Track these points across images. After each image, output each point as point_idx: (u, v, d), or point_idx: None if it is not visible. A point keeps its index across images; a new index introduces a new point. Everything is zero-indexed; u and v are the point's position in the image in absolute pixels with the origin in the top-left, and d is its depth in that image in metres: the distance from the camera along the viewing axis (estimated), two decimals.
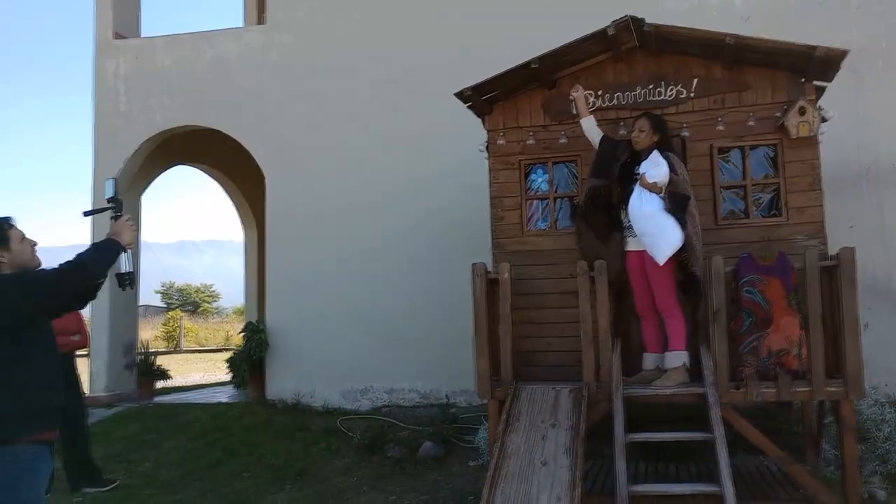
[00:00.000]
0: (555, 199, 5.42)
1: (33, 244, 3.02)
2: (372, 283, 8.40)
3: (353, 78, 8.76)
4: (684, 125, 5.18)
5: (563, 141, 5.37)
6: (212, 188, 12.39)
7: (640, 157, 4.81)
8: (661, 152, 4.70)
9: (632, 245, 4.82)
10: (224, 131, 9.18)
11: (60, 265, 2.87)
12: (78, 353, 6.50)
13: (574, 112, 5.20)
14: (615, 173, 4.90)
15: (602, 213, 4.91)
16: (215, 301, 46.43)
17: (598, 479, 4.91)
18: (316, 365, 8.45)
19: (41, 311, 2.89)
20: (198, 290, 47.12)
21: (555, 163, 5.44)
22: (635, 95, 5.32)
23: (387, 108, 8.59)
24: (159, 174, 10.40)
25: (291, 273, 8.73)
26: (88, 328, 6.87)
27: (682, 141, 5.14)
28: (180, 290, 46.46)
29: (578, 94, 5.07)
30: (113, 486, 6.08)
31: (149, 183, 10.15)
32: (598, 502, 4.26)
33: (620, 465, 3.99)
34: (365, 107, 8.68)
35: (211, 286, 48.83)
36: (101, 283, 3.05)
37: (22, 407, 2.77)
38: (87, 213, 3.62)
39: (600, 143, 5.02)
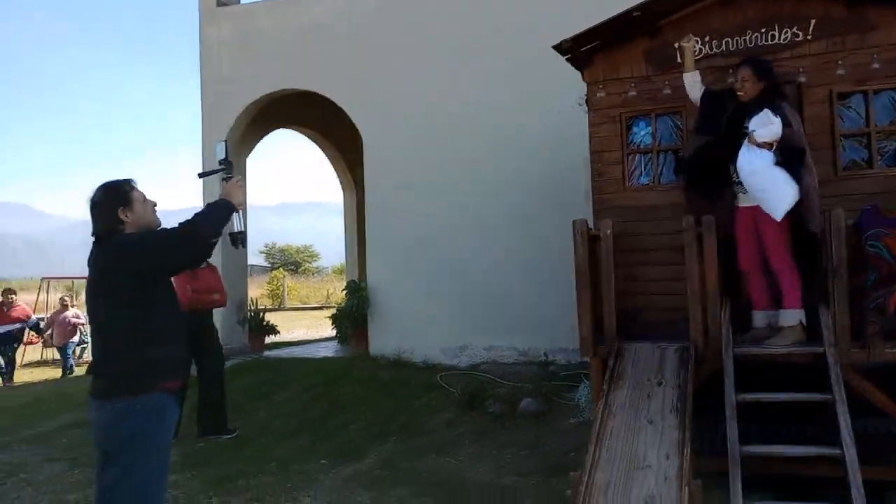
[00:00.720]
0: (658, 152, 5.24)
1: (153, 205, 3.18)
2: (469, 241, 8.44)
3: (447, 34, 8.70)
4: (800, 70, 4.86)
5: (666, 92, 5.15)
6: (311, 150, 12.72)
7: (748, 107, 4.53)
8: (775, 104, 4.41)
9: (743, 201, 4.59)
10: (322, 93, 9.36)
11: (179, 224, 3.01)
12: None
13: (678, 61, 4.97)
14: (722, 127, 4.66)
15: (709, 171, 4.70)
16: (315, 261, 48.09)
17: (705, 439, 4.80)
18: (416, 322, 8.62)
19: (163, 269, 3.04)
20: (298, 251, 48.90)
21: (658, 115, 5.23)
22: (745, 41, 5.01)
23: (480, 63, 8.50)
24: (262, 137, 10.75)
25: (391, 231, 8.89)
26: None
27: (797, 87, 4.83)
28: (282, 251, 48.36)
29: (689, 43, 4.81)
30: (233, 435, 6.45)
31: (253, 146, 10.51)
32: (707, 463, 4.17)
33: (731, 426, 3.88)
34: (458, 63, 8.62)
35: (311, 247, 50.54)
36: (215, 242, 3.17)
37: (149, 359, 2.94)
38: (201, 175, 3.77)
39: (703, 97, 4.77)
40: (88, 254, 3.03)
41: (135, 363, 2.92)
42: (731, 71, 4.96)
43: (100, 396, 2.94)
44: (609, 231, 4.86)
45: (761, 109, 4.38)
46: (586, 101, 5.44)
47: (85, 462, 5.83)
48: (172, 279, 3.19)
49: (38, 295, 15.55)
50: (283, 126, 11.35)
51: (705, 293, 4.55)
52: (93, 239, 3.05)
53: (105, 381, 2.96)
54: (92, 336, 3.18)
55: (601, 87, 5.32)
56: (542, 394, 6.74)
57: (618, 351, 4.62)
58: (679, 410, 3.98)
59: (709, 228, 4.55)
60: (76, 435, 6.68)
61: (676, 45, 4.89)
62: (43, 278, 16.48)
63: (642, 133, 5.27)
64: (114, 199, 3.01)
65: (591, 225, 5.06)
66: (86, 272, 3.10)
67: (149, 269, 2.93)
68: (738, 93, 4.55)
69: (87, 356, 13.70)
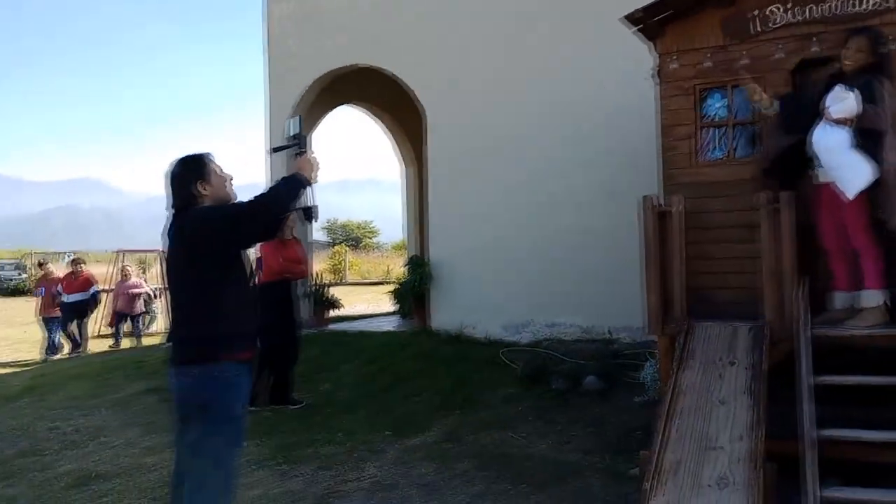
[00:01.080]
0: (734, 125, 5.06)
1: (229, 178, 3.24)
2: (532, 217, 8.38)
3: (511, 9, 8.57)
4: (888, 38, 4.59)
5: (744, 62, 4.95)
6: (371, 127, 12.75)
7: (844, 80, 4.28)
8: (875, 76, 4.17)
9: (822, 178, 4.40)
10: (385, 69, 9.37)
11: (254, 198, 3.06)
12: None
13: (758, 30, 4.77)
14: (806, 122, 4.44)
15: (791, 164, 4.52)
16: (375, 237, 48.63)
17: (776, 421, 4.66)
18: (477, 297, 8.62)
19: (237, 241, 3.10)
20: (358, 227, 49.50)
21: (734, 86, 5.04)
22: (829, 7, 4.76)
23: (544, 36, 8.37)
24: (326, 114, 10.86)
25: (452, 207, 8.89)
26: None
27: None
28: (342, 227, 49.00)
29: (751, 86, 4.57)
30: (300, 406, 6.58)
31: (317, 123, 10.63)
32: (780, 446, 4.05)
33: (807, 408, 3.76)
34: (521, 37, 8.50)
35: (370, 222, 51.11)
36: (287, 217, 3.21)
37: (225, 329, 3.02)
38: (274, 150, 3.83)
39: (781, 104, 4.55)
40: (166, 226, 3.11)
41: (211, 332, 3.00)
42: (814, 39, 4.75)
43: (178, 364, 3.04)
44: (679, 207, 4.74)
45: (861, 83, 4.16)
46: (657, 74, 5.29)
47: (160, 427, 6.07)
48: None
49: (113, 266, 16.13)
50: (347, 102, 11.42)
51: (781, 271, 4.40)
52: (170, 211, 3.13)
53: (183, 349, 3.05)
54: (171, 306, 3.27)
55: (674, 58, 5.15)
56: (606, 372, 6.67)
57: (687, 329, 4.52)
58: (752, 391, 3.88)
59: (786, 204, 4.39)
60: (152, 401, 6.95)
61: (745, 86, 4.64)
62: (117, 251, 17.11)
63: (717, 105, 5.09)
64: (191, 173, 3.08)
65: (660, 201, 4.95)
66: (157, 245, 3.20)
67: (224, 240, 3.00)
68: (845, 61, 4.31)
69: (154, 328, 14.14)
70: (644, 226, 4.80)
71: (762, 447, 3.51)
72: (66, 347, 11.74)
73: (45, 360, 10.94)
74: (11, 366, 10.40)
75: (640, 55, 5.72)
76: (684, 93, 5.11)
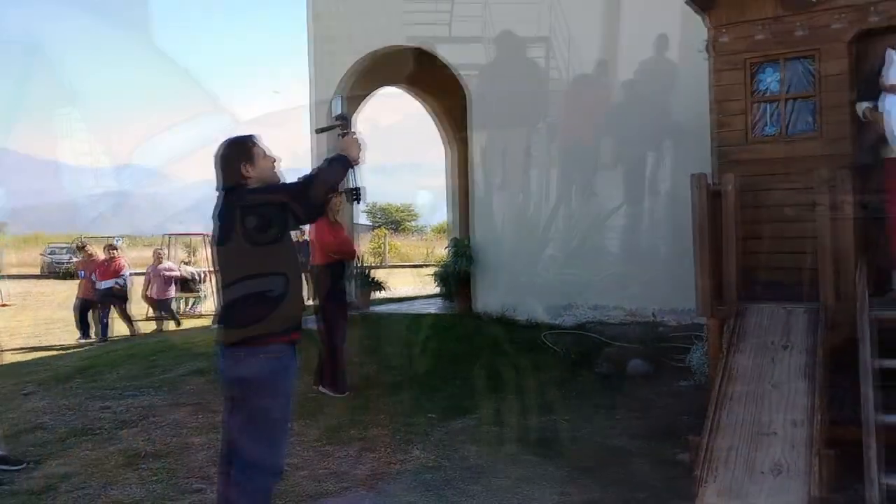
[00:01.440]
0: (786, 100, 4.87)
1: (274, 161, 3.22)
2: (575, 199, 8.25)
3: None
4: None
5: (799, 33, 4.76)
6: (409, 110, 12.67)
7: None
8: None
9: (890, 152, 4.22)
10: (428, 50, 9.28)
11: (300, 179, 3.04)
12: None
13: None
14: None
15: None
16: (414, 220, 48.77)
17: (833, 406, 4.52)
18: (520, 280, 8.55)
19: (285, 223, 3.08)
20: (398, 210, 49.66)
21: (788, 59, 4.86)
22: None
23: (590, 16, 8.18)
24: (368, 95, 10.81)
25: (496, 189, 8.81)
26: None
27: None
28: (383, 210, 49.23)
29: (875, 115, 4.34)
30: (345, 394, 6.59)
31: (360, 104, 10.60)
32: (835, 431, 3.92)
33: (867, 393, 3.62)
34: (563, 11, 8.32)
35: (410, 206, 51.24)
36: (330, 199, 3.18)
37: (272, 310, 3.01)
38: (318, 131, 3.82)
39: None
40: (213, 208, 3.11)
41: (259, 313, 2.99)
42: (871, 9, 4.54)
43: (226, 345, 3.04)
44: (731, 186, 4.59)
45: None
46: (708, 47, 5.12)
47: (208, 407, 6.16)
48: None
49: (168, 250, 16.36)
50: (389, 84, 11.36)
51: (839, 251, 4.24)
52: (217, 193, 3.13)
53: (232, 331, 3.06)
54: (219, 287, 3.27)
55: (725, 30, 4.98)
56: (652, 355, 6.56)
57: (739, 312, 4.40)
58: (808, 375, 3.75)
59: (844, 182, 4.22)
60: (199, 382, 7.05)
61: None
62: (165, 234, 17.44)
63: (769, 80, 4.91)
64: (237, 155, 3.07)
65: (711, 179, 4.80)
66: (203, 229, 3.19)
67: (270, 221, 2.98)
68: None
69: (201, 309, 14.32)
70: (694, 205, 4.67)
71: (821, 434, 3.39)
72: (92, 331, 11.63)
73: (93, 343, 11.05)
74: (63, 348, 10.67)
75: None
76: (736, 67, 4.95)
